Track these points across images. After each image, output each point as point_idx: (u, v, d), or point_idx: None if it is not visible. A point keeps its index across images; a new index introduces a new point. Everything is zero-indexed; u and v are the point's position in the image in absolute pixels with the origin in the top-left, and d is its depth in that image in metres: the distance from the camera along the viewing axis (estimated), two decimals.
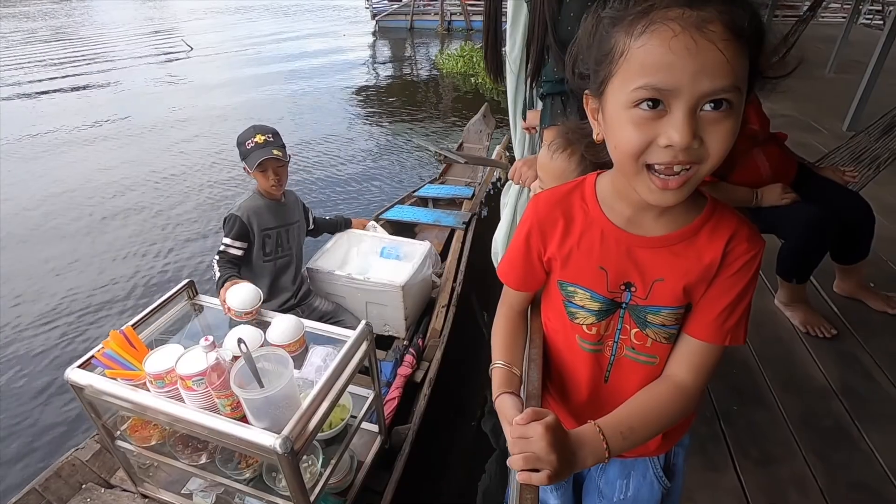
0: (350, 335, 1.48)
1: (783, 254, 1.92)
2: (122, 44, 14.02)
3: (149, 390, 1.31)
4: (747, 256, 0.68)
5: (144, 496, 1.69)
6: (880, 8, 11.90)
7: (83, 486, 1.77)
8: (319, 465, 1.43)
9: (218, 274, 2.03)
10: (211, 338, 1.20)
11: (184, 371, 1.20)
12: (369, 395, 1.70)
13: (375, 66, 12.13)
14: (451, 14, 15.67)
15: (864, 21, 11.30)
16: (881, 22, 10.06)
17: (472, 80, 9.59)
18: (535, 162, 1.44)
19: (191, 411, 1.21)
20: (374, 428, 1.87)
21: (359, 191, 5.29)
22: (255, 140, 2.02)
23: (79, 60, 11.82)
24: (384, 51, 13.91)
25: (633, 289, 0.73)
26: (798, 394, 1.76)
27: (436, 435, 2.20)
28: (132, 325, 1.48)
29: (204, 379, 1.20)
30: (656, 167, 0.58)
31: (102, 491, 1.74)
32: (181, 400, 1.27)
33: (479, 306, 3.25)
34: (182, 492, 1.66)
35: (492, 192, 4.16)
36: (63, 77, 10.28)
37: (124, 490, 1.74)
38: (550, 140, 1.39)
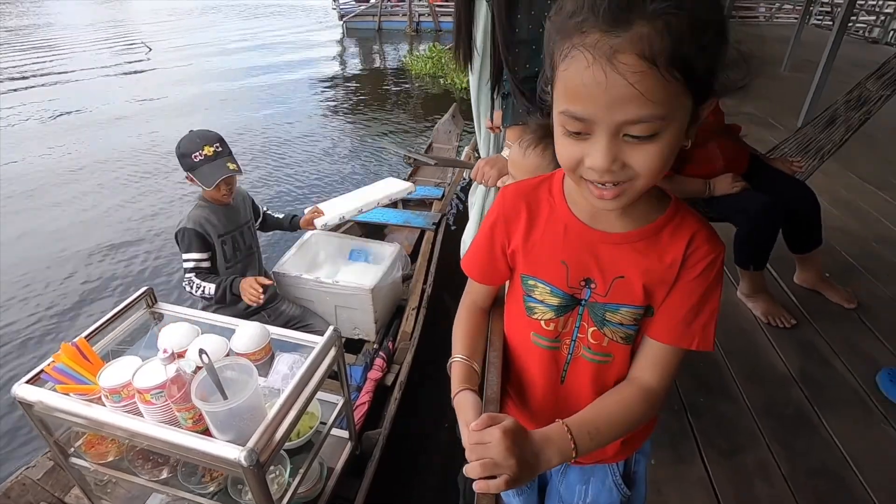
0: (317, 341, 1.44)
1: (737, 241, 1.99)
2: (78, 48, 13.39)
3: (104, 405, 1.25)
4: (708, 259, 0.68)
5: None
6: (829, 9, 12.46)
7: None
8: (287, 475, 1.40)
9: (208, 287, 2.00)
10: (170, 349, 1.15)
11: (141, 384, 1.14)
12: (339, 401, 1.67)
13: (343, 66, 12.02)
14: (420, 15, 15.61)
15: (815, 22, 11.81)
16: (831, 23, 10.53)
17: (441, 81, 9.59)
18: (497, 161, 1.44)
19: (150, 426, 1.16)
20: (345, 434, 1.83)
21: (324, 191, 5.23)
22: (204, 152, 1.87)
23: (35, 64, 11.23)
24: (352, 52, 13.79)
25: (592, 285, 0.72)
26: (761, 383, 1.81)
27: (407, 439, 2.17)
28: (85, 337, 1.41)
29: (163, 392, 1.15)
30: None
31: None
32: (140, 414, 1.22)
33: (450, 307, 3.24)
34: None
35: (461, 194, 4.16)
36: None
37: None
38: (515, 138, 1.39)
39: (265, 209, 2.41)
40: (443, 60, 10.13)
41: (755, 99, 4.87)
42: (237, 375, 1.21)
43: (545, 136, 0.99)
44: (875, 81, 2.44)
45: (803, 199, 2.00)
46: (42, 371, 1.33)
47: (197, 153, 1.87)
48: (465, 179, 3.99)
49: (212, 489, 1.37)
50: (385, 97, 9.06)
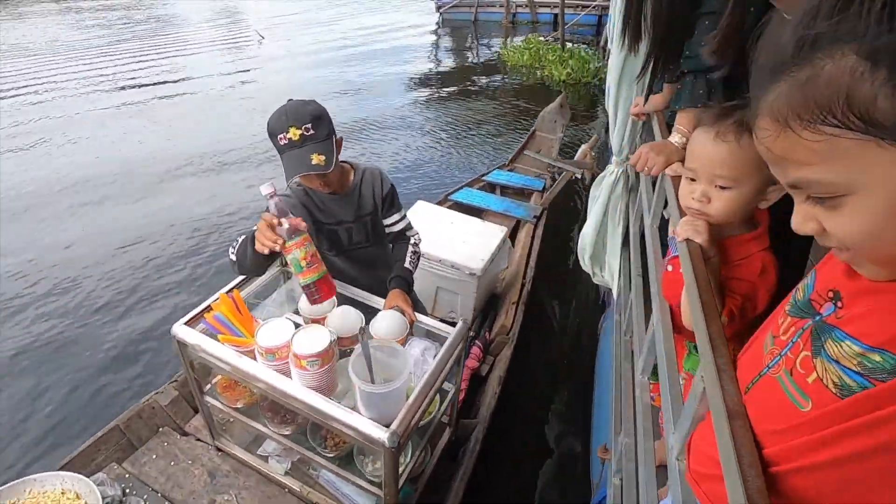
0: (450, 332, 1.45)
1: None
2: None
3: (255, 359, 1.32)
4: None
5: (219, 449, 1.73)
6: None
7: (160, 429, 1.83)
8: (410, 456, 1.43)
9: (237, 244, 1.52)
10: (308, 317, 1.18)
11: (300, 350, 1.19)
12: (450, 388, 1.68)
13: (437, 56, 11.92)
14: (517, 6, 15.18)
15: None
16: None
17: (538, 73, 9.32)
18: (665, 148, 1.32)
19: (305, 391, 1.20)
20: (444, 419, 1.86)
21: (421, 174, 5.31)
22: (289, 135, 1.41)
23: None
24: (447, 42, 13.69)
25: (838, 304, 0.59)
26: None
27: (498, 432, 2.18)
28: (236, 288, 1.49)
29: (318, 360, 1.20)
30: None
31: (178, 437, 1.80)
32: (287, 374, 1.27)
33: (546, 305, 3.20)
34: (258, 452, 1.69)
35: (566, 187, 4.05)
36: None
37: (199, 440, 1.79)
38: (689, 123, 1.28)
39: (403, 229, 1.78)
40: (540, 52, 9.83)
41: None
42: (384, 357, 1.24)
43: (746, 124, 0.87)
44: None
45: None
46: (200, 315, 1.42)
47: (282, 135, 1.42)
48: (576, 177, 3.88)
49: (331, 455, 1.43)
50: (479, 88, 8.92)
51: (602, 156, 4.74)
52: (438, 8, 15.87)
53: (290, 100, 1.50)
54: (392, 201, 1.71)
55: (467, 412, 2.08)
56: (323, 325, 1.37)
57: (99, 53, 10.86)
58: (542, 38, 10.61)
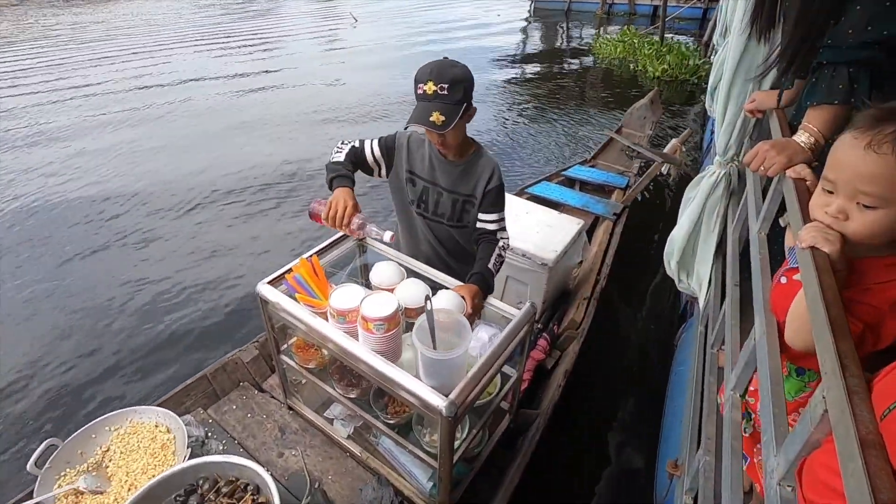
0: (515, 314, 1.44)
1: None
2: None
3: (326, 320, 1.39)
4: None
5: (290, 408, 1.84)
6: None
7: (241, 383, 1.98)
8: (466, 433, 1.44)
9: (337, 158, 1.66)
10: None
11: (369, 313, 1.23)
12: (512, 374, 1.67)
13: (526, 45, 11.82)
14: None
15: None
16: None
17: (631, 66, 8.92)
18: (788, 146, 1.20)
19: (372, 355, 1.25)
20: (504, 405, 1.85)
21: (501, 163, 5.29)
22: (425, 88, 1.46)
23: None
24: (537, 31, 13.54)
25: None
26: None
27: (558, 428, 2.13)
28: (316, 254, 1.57)
29: (385, 324, 1.24)
30: None
31: (255, 392, 1.94)
32: (356, 337, 1.33)
33: (618, 304, 3.07)
34: (324, 415, 1.79)
35: (652, 187, 3.86)
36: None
37: (273, 397, 1.92)
38: (823, 121, 1.15)
39: (495, 230, 1.68)
40: (635, 45, 9.39)
41: None
42: (446, 328, 1.25)
43: None
44: None
45: None
46: (282, 276, 1.52)
47: (420, 85, 1.48)
48: (662, 174, 3.68)
49: (392, 422, 1.47)
50: (565, 79, 8.70)
51: (694, 156, 4.45)
52: None
53: (445, 57, 1.56)
54: (495, 200, 1.67)
55: (529, 403, 2.04)
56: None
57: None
58: (638, 31, 10.15)
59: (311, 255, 1.54)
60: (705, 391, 1.74)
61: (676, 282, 2.25)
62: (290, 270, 1.52)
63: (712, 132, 4.05)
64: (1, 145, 5.82)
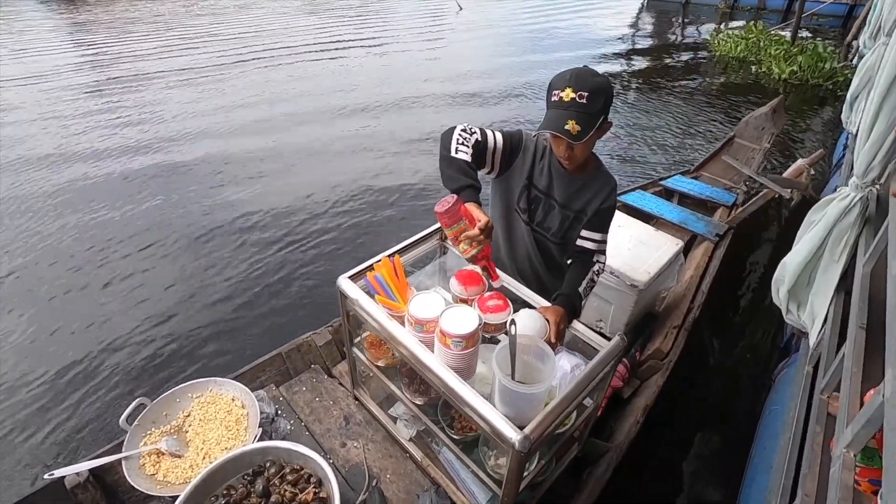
0: (603, 345, 1.32)
1: None
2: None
3: (403, 325, 1.35)
4: None
5: (356, 398, 1.85)
6: None
7: (312, 366, 2.03)
8: (535, 463, 1.36)
9: (461, 155, 1.43)
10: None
11: (449, 328, 1.18)
12: (589, 404, 1.55)
13: (635, 40, 11.09)
14: None
15: None
16: None
17: (753, 68, 8.04)
18: None
19: (446, 370, 1.19)
20: (575, 433, 1.74)
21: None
22: (562, 95, 1.35)
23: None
24: (649, 25, 12.71)
25: None
26: None
27: (630, 459, 1.98)
28: (398, 253, 1.54)
29: (463, 342, 1.17)
30: None
31: (325, 377, 1.97)
32: (431, 347, 1.28)
33: (710, 336, 2.81)
34: (389, 412, 1.77)
35: (764, 211, 3.48)
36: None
37: (341, 384, 1.94)
38: None
39: (595, 250, 1.57)
40: (761, 43, 8.46)
41: None
42: (528, 356, 1.16)
43: None
44: None
45: None
46: (363, 272, 1.51)
47: (557, 91, 1.37)
48: (782, 197, 3.30)
49: (457, 438, 1.41)
50: (675, 78, 8.05)
51: (820, 177, 3.94)
52: None
53: (584, 66, 1.44)
54: (603, 220, 1.56)
55: (599, 430, 1.91)
56: (471, 307, 1.35)
57: None
58: (766, 28, 9.15)
59: (393, 254, 1.50)
60: (808, 440, 1.55)
61: (784, 312, 2.01)
62: (371, 267, 1.50)
63: (845, 146, 3.56)
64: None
